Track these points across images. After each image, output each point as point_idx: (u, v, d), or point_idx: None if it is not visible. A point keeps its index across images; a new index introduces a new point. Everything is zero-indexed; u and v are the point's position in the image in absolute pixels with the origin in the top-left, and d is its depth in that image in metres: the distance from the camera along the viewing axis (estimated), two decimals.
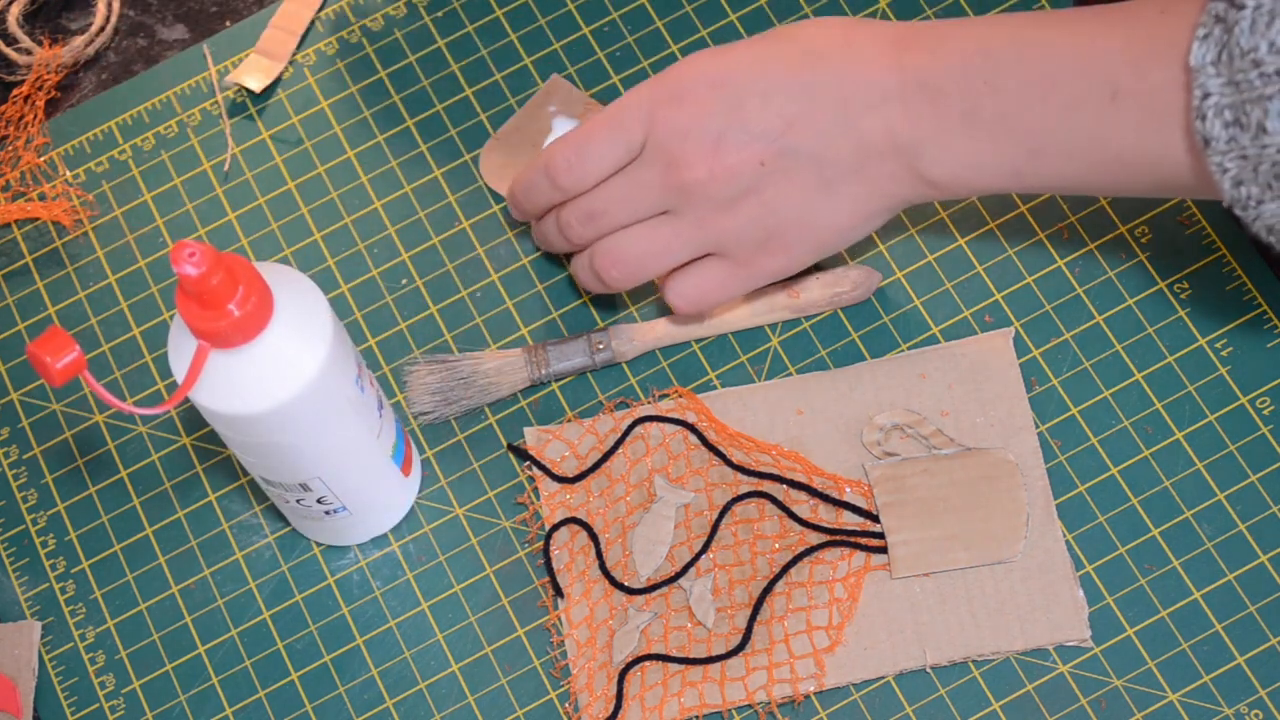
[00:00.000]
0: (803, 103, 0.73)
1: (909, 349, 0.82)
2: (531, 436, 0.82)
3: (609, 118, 0.76)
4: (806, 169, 0.74)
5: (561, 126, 0.87)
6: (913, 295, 0.83)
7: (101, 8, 0.92)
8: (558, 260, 0.86)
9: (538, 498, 0.81)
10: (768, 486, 0.79)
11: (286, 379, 0.68)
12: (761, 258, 0.76)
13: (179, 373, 0.68)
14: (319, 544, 0.82)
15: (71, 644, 0.82)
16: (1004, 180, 0.73)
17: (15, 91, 0.91)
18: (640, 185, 0.76)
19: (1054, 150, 0.71)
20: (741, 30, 0.89)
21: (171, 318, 0.81)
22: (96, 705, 0.80)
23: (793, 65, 0.74)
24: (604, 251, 0.78)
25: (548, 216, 0.80)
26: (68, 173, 0.90)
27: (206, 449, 0.84)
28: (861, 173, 0.74)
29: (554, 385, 0.83)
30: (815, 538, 0.78)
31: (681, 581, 0.79)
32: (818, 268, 0.83)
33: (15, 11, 0.92)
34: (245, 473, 0.83)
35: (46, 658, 0.82)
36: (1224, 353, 0.80)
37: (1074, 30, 0.70)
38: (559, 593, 0.79)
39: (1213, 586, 0.77)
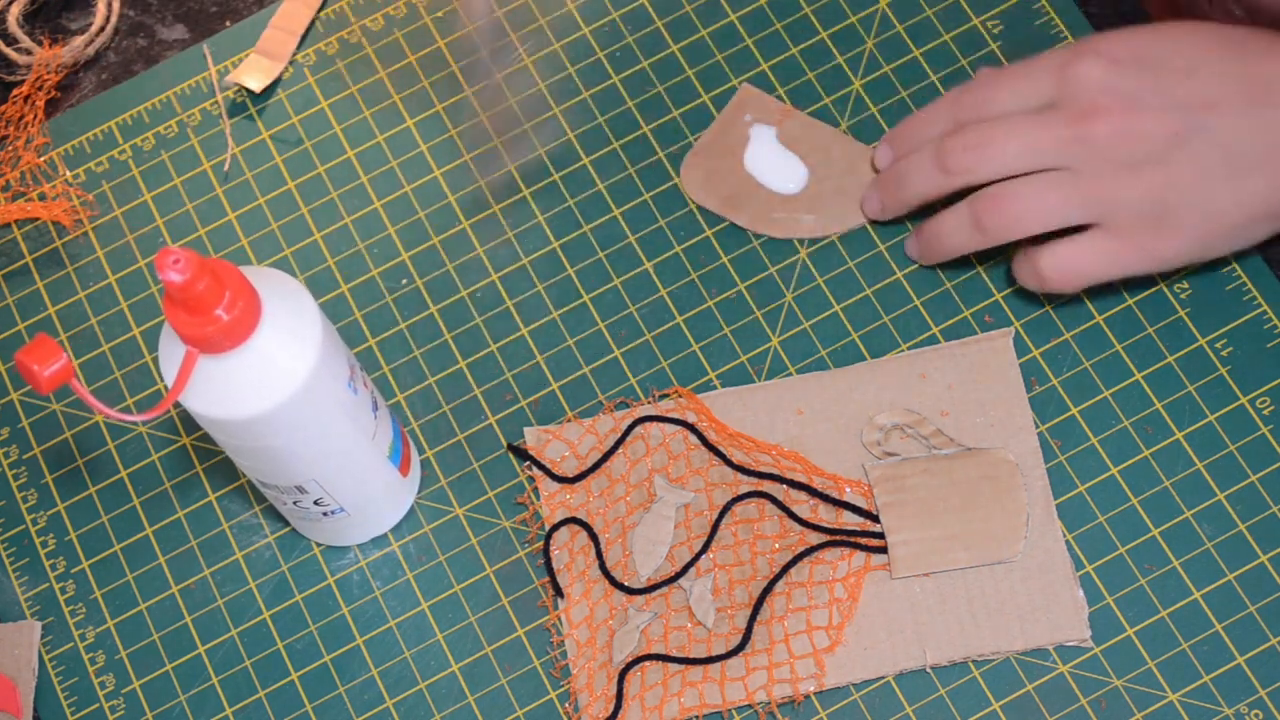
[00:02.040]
0: (1225, 84, 0.71)
1: (909, 349, 0.82)
2: (531, 436, 0.82)
3: (1021, 66, 0.74)
4: (1216, 151, 0.72)
5: (760, 134, 0.85)
6: (913, 295, 0.83)
7: (101, 8, 0.92)
8: (557, 261, 0.86)
9: (538, 498, 0.81)
10: (768, 486, 0.79)
11: (277, 383, 0.68)
12: (1149, 238, 0.73)
13: (169, 378, 0.68)
14: (319, 544, 0.82)
15: (71, 644, 0.82)
16: None
17: (15, 91, 0.91)
18: (1042, 127, 0.73)
19: None
20: (741, 30, 0.89)
21: None
22: (96, 705, 0.80)
23: (1214, 47, 0.72)
24: (989, 195, 0.74)
25: (917, 153, 0.76)
26: (68, 173, 0.90)
27: (206, 449, 0.84)
28: (1266, 166, 0.72)
29: (554, 385, 0.83)
30: (815, 538, 0.78)
31: (681, 581, 0.79)
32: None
33: (15, 11, 0.92)
34: (245, 473, 0.83)
35: (46, 658, 0.82)
36: (1224, 353, 0.80)
37: None
38: (559, 593, 0.79)
39: (1213, 586, 0.77)
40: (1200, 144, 0.72)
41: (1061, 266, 0.75)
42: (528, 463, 0.82)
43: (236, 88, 0.90)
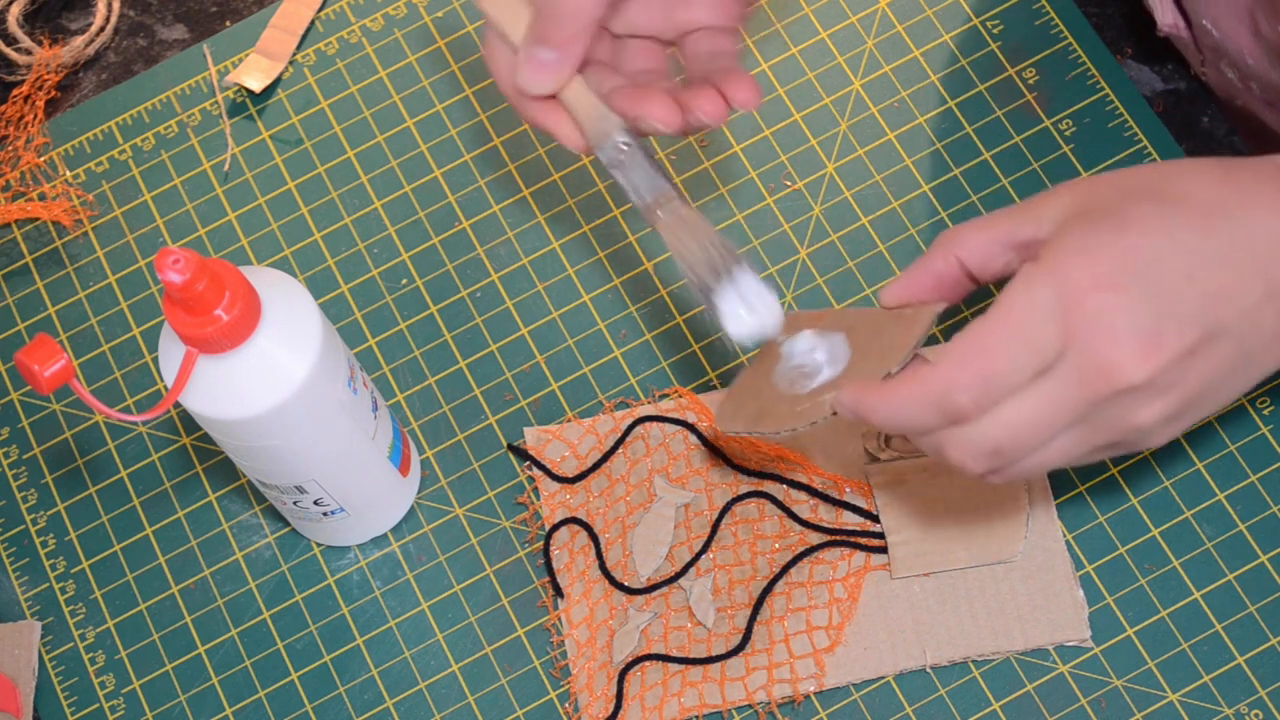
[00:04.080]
0: (1224, 274, 0.62)
1: None
2: (531, 436, 0.82)
3: (1013, 333, 0.62)
4: (1229, 347, 0.63)
5: (792, 346, 0.70)
6: None
7: (101, 8, 0.92)
8: (557, 261, 0.86)
9: (538, 498, 0.81)
10: (768, 486, 0.79)
11: (276, 383, 0.68)
12: (1147, 441, 0.65)
13: (169, 378, 0.68)
14: (319, 544, 0.82)
15: (71, 644, 0.82)
16: None
17: (15, 91, 0.91)
18: (1057, 409, 0.62)
19: None
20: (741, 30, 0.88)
21: None
22: (96, 705, 0.80)
23: (1200, 230, 0.62)
24: (998, 471, 0.65)
25: (952, 449, 0.64)
26: (68, 173, 0.90)
27: (206, 449, 0.84)
28: (1275, 345, 0.64)
29: (554, 385, 0.83)
30: (815, 538, 0.78)
31: (681, 581, 0.79)
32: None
33: (15, 11, 0.92)
34: (245, 473, 0.83)
35: (46, 658, 0.82)
36: None
37: None
38: (559, 593, 0.79)
39: (1213, 586, 0.77)
40: (1216, 347, 0.63)
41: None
42: (528, 463, 0.82)
43: (236, 88, 0.91)
